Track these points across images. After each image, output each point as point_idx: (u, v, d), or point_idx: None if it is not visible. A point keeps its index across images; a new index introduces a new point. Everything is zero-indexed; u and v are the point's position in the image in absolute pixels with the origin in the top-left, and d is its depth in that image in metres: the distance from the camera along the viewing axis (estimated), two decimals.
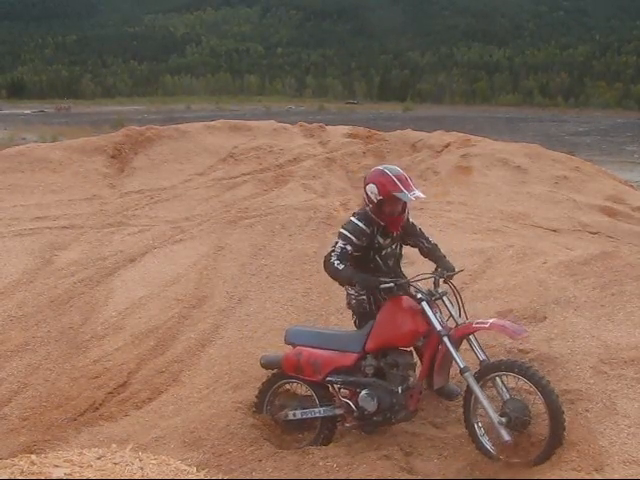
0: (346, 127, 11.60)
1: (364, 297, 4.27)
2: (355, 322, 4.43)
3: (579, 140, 49.47)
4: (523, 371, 3.64)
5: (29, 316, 5.97)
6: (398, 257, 4.36)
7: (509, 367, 3.70)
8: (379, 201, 4.07)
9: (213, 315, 6.05)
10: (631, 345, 4.37)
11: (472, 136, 11.01)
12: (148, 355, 5.57)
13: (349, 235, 4.07)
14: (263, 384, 4.42)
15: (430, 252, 4.34)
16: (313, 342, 4.26)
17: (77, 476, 2.61)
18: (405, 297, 4.04)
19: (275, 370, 4.39)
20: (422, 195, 4.11)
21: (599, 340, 4.47)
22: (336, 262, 4.03)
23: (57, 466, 2.68)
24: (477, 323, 3.82)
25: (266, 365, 4.42)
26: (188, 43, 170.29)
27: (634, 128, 62.64)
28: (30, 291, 6.30)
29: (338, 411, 4.19)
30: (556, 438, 3.58)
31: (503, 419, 3.62)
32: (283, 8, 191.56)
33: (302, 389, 4.39)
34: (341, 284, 4.32)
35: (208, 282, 6.53)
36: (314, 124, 11.55)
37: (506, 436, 3.60)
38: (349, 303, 4.39)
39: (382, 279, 4.02)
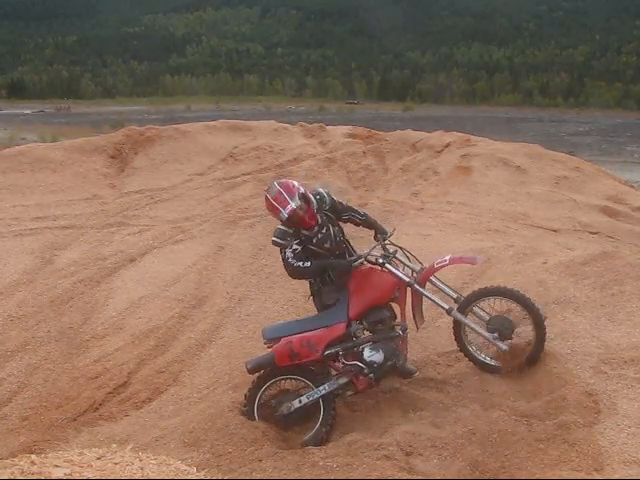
0: (346, 127, 11.58)
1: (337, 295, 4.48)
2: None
3: (579, 140, 49.44)
4: (502, 292, 4.42)
5: (29, 316, 5.97)
6: (335, 237, 4.57)
7: (491, 292, 4.46)
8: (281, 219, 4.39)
9: (213, 315, 6.05)
10: (631, 345, 4.38)
11: (472, 136, 10.98)
12: (148, 355, 5.57)
13: (280, 241, 4.40)
14: (249, 391, 4.42)
15: (364, 221, 4.77)
16: (296, 330, 4.43)
17: (77, 476, 2.62)
18: (367, 265, 4.48)
19: (259, 373, 4.43)
20: (294, 206, 4.29)
21: (599, 340, 4.48)
22: (298, 263, 4.34)
23: (57, 466, 2.69)
24: (437, 263, 4.47)
25: (255, 368, 4.42)
26: (188, 43, 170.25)
27: (634, 128, 62.62)
28: (30, 291, 6.30)
29: (342, 380, 4.39)
30: (540, 339, 4.33)
31: (495, 334, 4.38)
32: (283, 8, 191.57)
33: (290, 384, 4.47)
34: (313, 277, 4.49)
35: (208, 282, 6.53)
36: (314, 124, 11.53)
37: (503, 346, 4.38)
38: (325, 305, 4.51)
39: (350, 259, 4.48)
